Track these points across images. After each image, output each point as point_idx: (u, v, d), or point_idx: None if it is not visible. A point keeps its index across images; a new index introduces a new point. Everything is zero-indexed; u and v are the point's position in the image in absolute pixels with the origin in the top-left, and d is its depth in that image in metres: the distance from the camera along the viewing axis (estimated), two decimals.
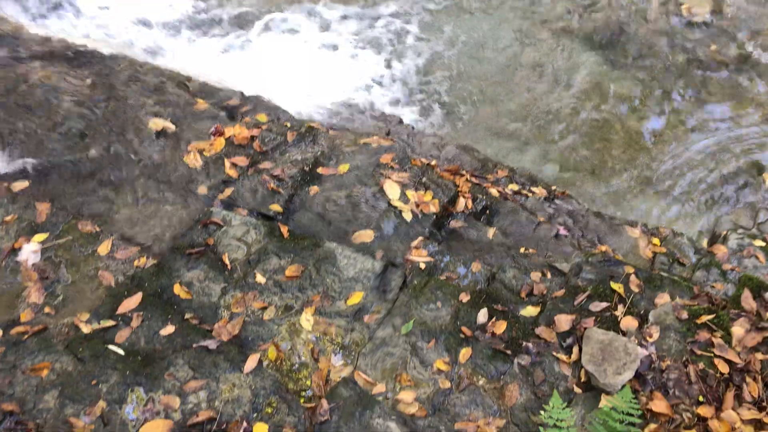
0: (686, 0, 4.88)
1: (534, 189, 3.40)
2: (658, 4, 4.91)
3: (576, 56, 4.70)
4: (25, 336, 2.23)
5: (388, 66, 4.59)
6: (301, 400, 2.17)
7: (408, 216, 2.78)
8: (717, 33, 4.70)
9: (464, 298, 2.45)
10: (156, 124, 2.95)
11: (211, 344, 2.25)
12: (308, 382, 2.20)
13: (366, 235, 2.69)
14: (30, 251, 2.43)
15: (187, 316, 2.35)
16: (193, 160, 2.88)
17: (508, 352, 2.30)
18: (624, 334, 2.31)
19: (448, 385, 2.22)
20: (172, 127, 2.96)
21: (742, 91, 4.35)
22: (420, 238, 2.72)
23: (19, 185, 2.69)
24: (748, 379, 2.16)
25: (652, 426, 2.08)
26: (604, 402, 2.11)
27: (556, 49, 4.76)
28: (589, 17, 4.94)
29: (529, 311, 2.43)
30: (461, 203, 3.00)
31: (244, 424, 2.06)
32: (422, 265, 2.59)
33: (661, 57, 4.59)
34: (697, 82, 4.40)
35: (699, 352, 2.24)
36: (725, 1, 4.88)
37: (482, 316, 2.39)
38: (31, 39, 3.29)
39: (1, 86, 3.00)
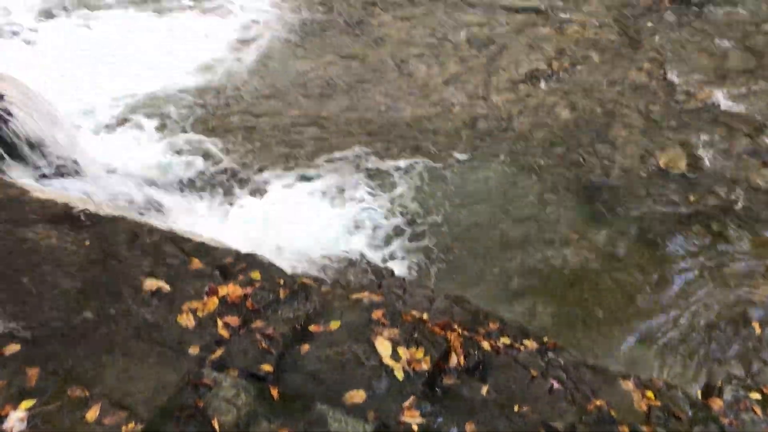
0: (662, 154, 5.13)
1: (526, 342, 3.41)
2: (636, 158, 5.15)
3: (561, 208, 4.86)
4: None
5: (380, 217, 4.73)
6: None
7: (400, 375, 2.77)
8: (695, 184, 4.91)
9: None
10: (151, 284, 3.01)
11: None
12: None
13: (358, 396, 2.67)
14: (16, 419, 2.39)
15: None
16: (186, 320, 2.91)
17: None
18: None
19: None
20: (166, 287, 3.02)
21: (725, 241, 4.48)
22: (412, 397, 2.70)
23: (11, 348, 2.69)
24: None
25: None
26: None
27: (541, 200, 4.94)
28: (571, 170, 5.16)
29: None
30: (453, 359, 3.00)
31: None
32: (415, 427, 2.55)
33: (642, 208, 4.76)
34: (680, 233, 4.53)
35: None
36: (700, 154, 5.14)
37: None
38: (34, 202, 3.42)
39: (2, 249, 3.07)
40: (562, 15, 6.93)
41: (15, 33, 6.29)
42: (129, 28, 6.64)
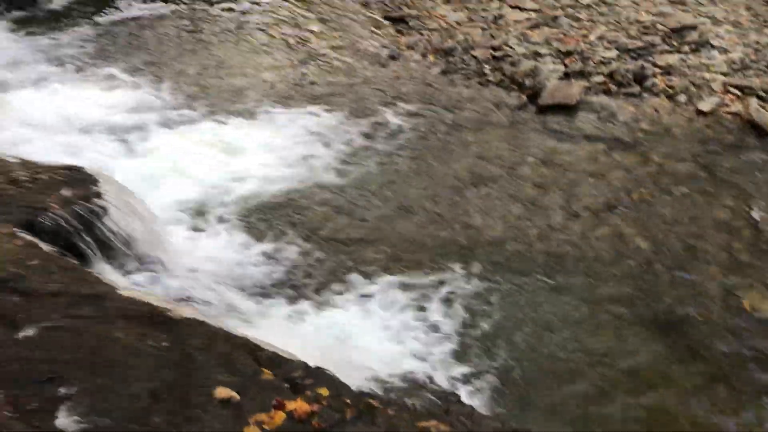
0: (747, 295, 4.96)
1: None
2: (719, 297, 4.99)
3: (636, 342, 4.73)
4: None
5: (449, 338, 4.69)
6: None
7: None
8: None
9: None
10: (221, 392, 3.03)
11: None
12: None
13: None
14: None
15: None
16: None
17: None
18: None
19: None
20: (236, 396, 3.03)
21: None
22: None
23: None
24: None
25: None
26: None
27: (616, 332, 4.82)
28: (649, 304, 5.03)
29: None
30: None
31: None
32: None
33: (726, 351, 4.57)
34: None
35: None
36: None
37: None
38: (120, 300, 3.55)
39: (85, 344, 3.19)
40: (644, 146, 6.96)
41: (118, 135, 6.74)
42: (247, 131, 7.02)
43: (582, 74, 8.22)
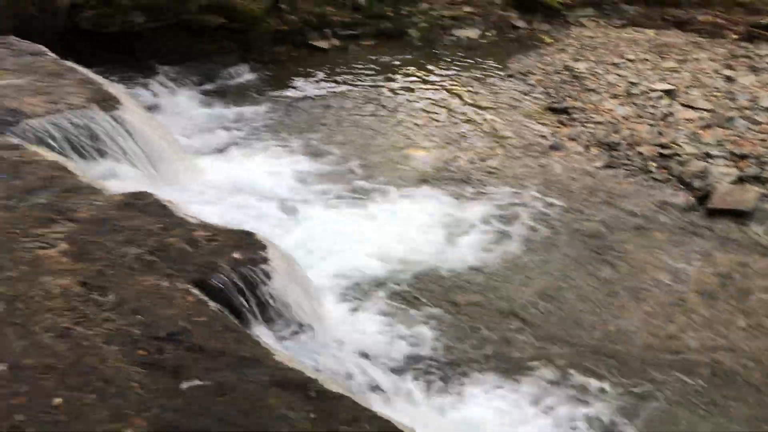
0: None
1: None
2: None
3: None
4: None
5: None
6: None
7: None
8: None
9: None
10: None
11: None
12: None
13: None
14: None
15: None
16: None
17: None
18: None
19: None
20: None
21: None
22: None
23: None
24: None
25: None
26: None
27: None
28: None
29: None
30: None
31: None
32: None
33: None
34: None
35: None
36: None
37: None
38: (274, 365, 3.67)
39: (239, 404, 3.32)
40: None
41: (287, 203, 7.16)
42: (408, 209, 7.25)
43: (758, 180, 7.74)
